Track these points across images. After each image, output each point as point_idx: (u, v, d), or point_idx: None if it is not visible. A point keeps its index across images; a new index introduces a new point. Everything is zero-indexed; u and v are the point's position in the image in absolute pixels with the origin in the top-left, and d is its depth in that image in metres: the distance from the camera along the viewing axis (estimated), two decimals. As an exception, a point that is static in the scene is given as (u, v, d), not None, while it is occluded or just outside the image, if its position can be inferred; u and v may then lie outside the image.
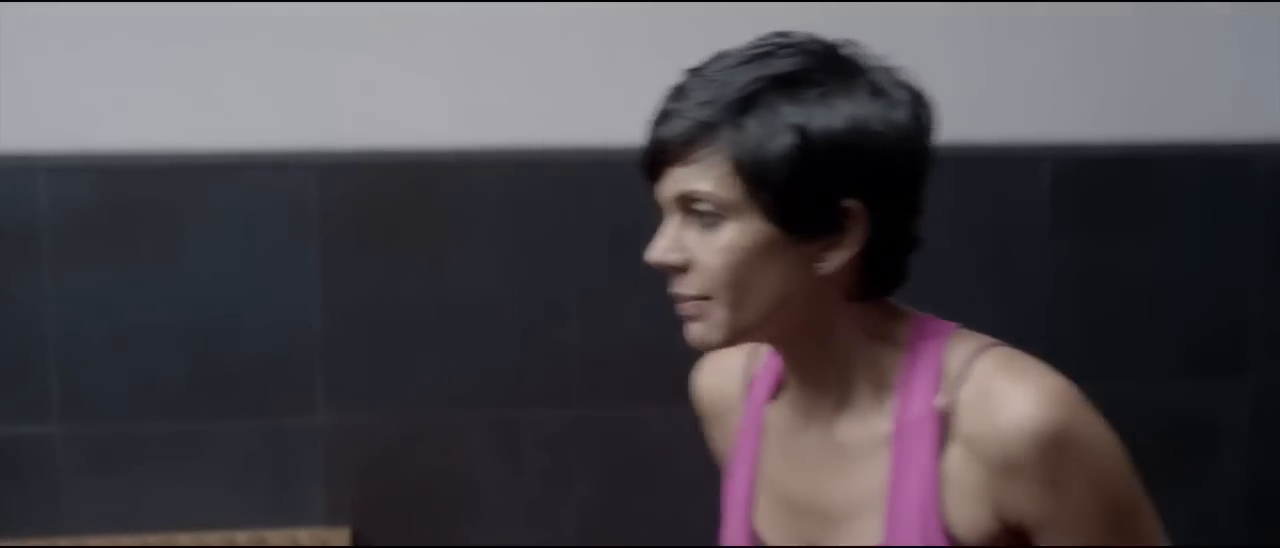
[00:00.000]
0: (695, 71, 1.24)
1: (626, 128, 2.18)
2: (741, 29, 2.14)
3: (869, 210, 1.20)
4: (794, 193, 1.18)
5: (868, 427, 1.26)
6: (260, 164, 2.10)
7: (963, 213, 2.25)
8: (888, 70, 1.25)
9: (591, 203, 2.16)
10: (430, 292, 2.15)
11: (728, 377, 1.43)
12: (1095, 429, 1.21)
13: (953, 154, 2.24)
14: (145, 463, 2.12)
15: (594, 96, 2.17)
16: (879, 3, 2.20)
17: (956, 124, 2.24)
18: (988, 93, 2.26)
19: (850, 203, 1.19)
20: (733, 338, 1.24)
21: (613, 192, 2.15)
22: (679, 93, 1.23)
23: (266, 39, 2.09)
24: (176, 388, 2.11)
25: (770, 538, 1.34)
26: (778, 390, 1.35)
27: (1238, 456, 2.40)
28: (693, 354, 2.31)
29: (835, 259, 1.21)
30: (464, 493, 2.20)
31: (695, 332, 1.25)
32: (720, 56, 1.24)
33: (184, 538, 2.12)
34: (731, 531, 1.38)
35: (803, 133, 1.17)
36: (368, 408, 2.17)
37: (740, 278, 1.20)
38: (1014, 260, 2.29)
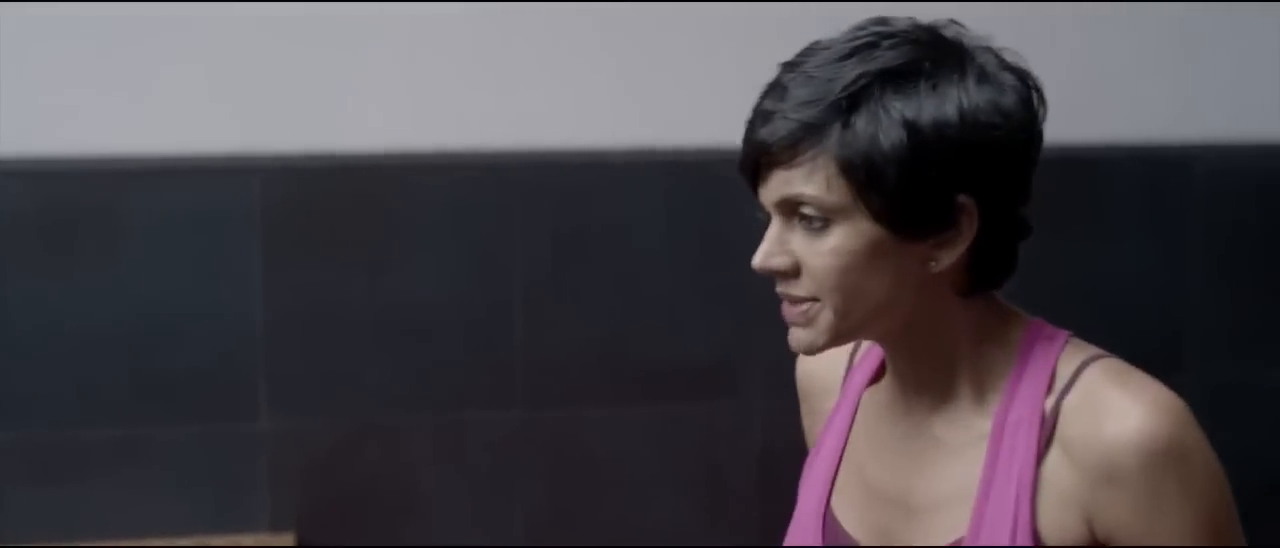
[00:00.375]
0: (792, 67, 1.18)
1: (570, 131, 2.20)
2: (685, 33, 2.15)
3: (980, 204, 1.16)
4: (906, 192, 1.13)
5: (966, 425, 1.24)
6: (202, 168, 2.08)
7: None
8: (993, 52, 1.20)
9: (535, 206, 2.16)
10: (374, 295, 2.14)
11: (829, 360, 1.37)
12: (1202, 450, 1.19)
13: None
14: (87, 470, 2.10)
15: (538, 100, 2.17)
16: (819, 5, 2.21)
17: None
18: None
19: (963, 198, 1.15)
20: (837, 342, 1.21)
21: (556, 195, 2.16)
22: (778, 91, 1.17)
23: (208, 42, 2.08)
24: (118, 394, 2.09)
25: (846, 522, 1.30)
26: (878, 377, 1.32)
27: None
28: (638, 356, 2.32)
29: (947, 257, 1.17)
30: (409, 497, 2.20)
31: (800, 337, 1.21)
32: (816, 49, 1.19)
33: (126, 545, 2.10)
34: (806, 508, 1.33)
35: (914, 128, 1.13)
36: (312, 413, 2.16)
37: (850, 282, 1.16)
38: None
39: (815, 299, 1.18)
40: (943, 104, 1.14)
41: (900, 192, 1.13)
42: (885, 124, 1.13)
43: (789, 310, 1.20)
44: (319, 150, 2.12)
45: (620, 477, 2.21)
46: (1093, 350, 1.24)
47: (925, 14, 2.27)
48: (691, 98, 2.19)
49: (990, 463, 1.20)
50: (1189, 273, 2.39)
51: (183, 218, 2.08)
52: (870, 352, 1.34)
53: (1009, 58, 1.20)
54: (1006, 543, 1.18)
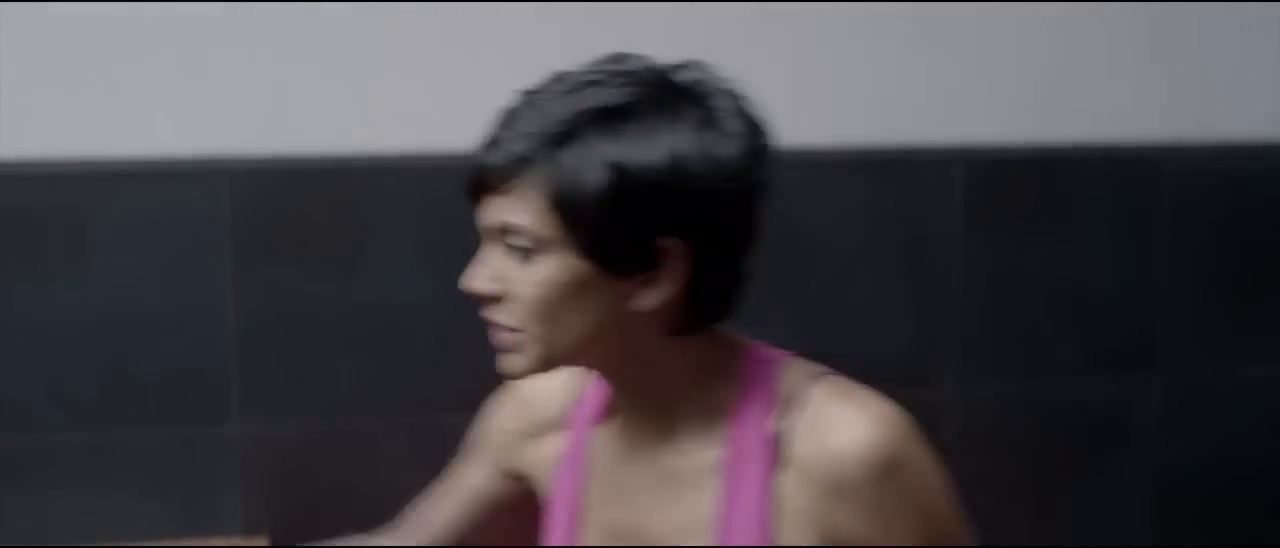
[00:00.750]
0: (528, 95, 1.22)
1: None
2: (652, 35, 2.14)
3: (689, 248, 1.18)
4: (608, 230, 1.15)
5: (697, 455, 1.25)
6: (170, 171, 2.07)
7: (875, 214, 2.27)
8: (730, 97, 1.21)
9: (508, 208, 2.16)
10: (346, 298, 2.14)
11: (553, 393, 1.40)
12: (924, 459, 1.22)
13: (865, 156, 2.28)
14: (56, 475, 2.09)
15: (506, 101, 2.16)
16: (789, 4, 2.21)
17: (869, 126, 2.29)
18: (900, 95, 2.28)
19: (667, 241, 1.17)
20: (542, 369, 1.23)
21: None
22: (507, 119, 1.22)
23: (175, 42, 2.07)
24: (88, 399, 2.08)
25: None
26: (605, 416, 1.33)
27: (1145, 453, 2.44)
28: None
29: (652, 297, 1.19)
30: (383, 501, 2.18)
31: (506, 363, 1.24)
32: (554, 80, 1.22)
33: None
34: None
35: (617, 170, 1.15)
36: (284, 416, 2.16)
37: (553, 312, 1.19)
38: (926, 261, 2.32)
39: (520, 328, 1.21)
40: (651, 148, 1.15)
41: (602, 230, 1.15)
42: (590, 163, 1.15)
43: (497, 336, 1.24)
44: (289, 152, 2.11)
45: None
46: (813, 369, 1.27)
47: (893, 14, 2.28)
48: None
49: (726, 492, 1.23)
50: (1158, 272, 2.41)
51: (152, 220, 2.07)
52: (595, 387, 1.36)
53: (746, 106, 1.21)
54: None
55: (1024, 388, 2.38)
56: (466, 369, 2.18)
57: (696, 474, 1.25)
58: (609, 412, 1.33)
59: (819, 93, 2.24)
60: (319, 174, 2.11)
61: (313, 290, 2.13)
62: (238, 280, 2.11)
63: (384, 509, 2.20)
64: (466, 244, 2.19)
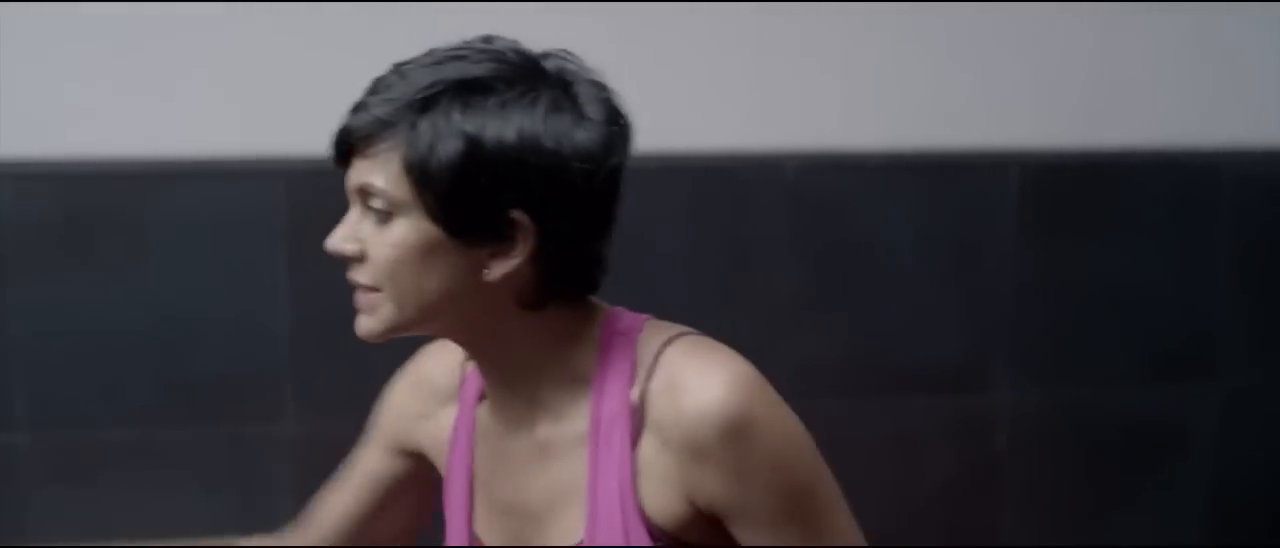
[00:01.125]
0: (397, 66, 1.26)
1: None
2: (702, 35, 2.13)
3: (537, 223, 1.20)
4: (457, 198, 1.19)
5: (564, 425, 1.28)
6: (226, 171, 2.09)
7: (930, 219, 2.26)
8: (596, 88, 1.25)
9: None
10: (399, 298, 2.14)
11: (448, 371, 1.43)
12: (776, 413, 1.23)
13: (919, 161, 2.26)
14: (112, 472, 2.11)
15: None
16: (850, 4, 2.20)
17: (925, 130, 2.27)
18: (956, 99, 2.27)
19: (517, 215, 1.20)
20: (393, 331, 1.26)
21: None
22: (376, 86, 1.26)
23: (233, 43, 2.09)
24: (143, 396, 2.10)
25: (486, 539, 1.36)
26: (484, 392, 1.36)
27: (1205, 460, 2.41)
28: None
29: (501, 268, 1.21)
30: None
31: (362, 324, 1.28)
32: (426, 54, 1.27)
33: (152, 545, 2.10)
34: (453, 534, 1.40)
35: (470, 140, 1.18)
36: (337, 415, 2.16)
37: (405, 274, 1.22)
38: (982, 267, 2.30)
39: (377, 289, 1.25)
40: (504, 124, 1.19)
41: (452, 198, 1.19)
42: (445, 131, 1.19)
43: (358, 297, 1.28)
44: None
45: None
46: (671, 330, 1.28)
47: (952, 15, 2.25)
48: (699, 101, 2.19)
49: (592, 460, 1.26)
50: (1217, 278, 2.38)
51: (207, 220, 2.09)
52: (475, 370, 1.38)
53: (611, 96, 1.26)
54: (619, 534, 1.24)
55: (1078, 395, 2.36)
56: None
57: (565, 444, 1.28)
58: (486, 390, 1.35)
59: (873, 98, 2.23)
60: (373, 175, 2.12)
61: (366, 290, 2.13)
62: (292, 280, 2.12)
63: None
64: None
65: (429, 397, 1.44)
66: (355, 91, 2.27)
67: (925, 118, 2.26)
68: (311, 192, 2.11)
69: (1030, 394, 2.32)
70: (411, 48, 2.12)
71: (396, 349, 2.15)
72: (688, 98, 2.17)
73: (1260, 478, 2.44)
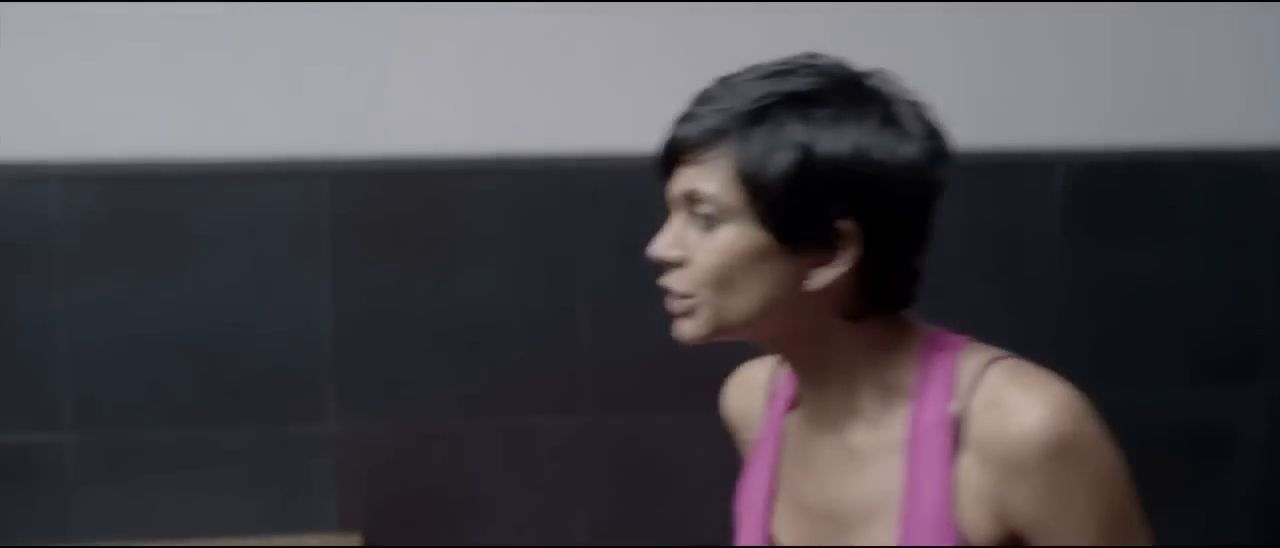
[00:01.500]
0: (723, 79, 1.28)
1: (634, 135, 2.18)
2: (748, 37, 2.14)
3: (863, 233, 1.23)
4: (789, 206, 1.21)
5: (879, 433, 1.29)
6: (271, 172, 2.10)
7: (975, 218, 2.24)
8: (912, 105, 1.27)
9: (600, 210, 2.16)
10: (440, 299, 2.15)
11: (749, 392, 1.47)
12: (1100, 441, 1.24)
13: (965, 160, 2.24)
14: (156, 471, 2.12)
15: (602, 104, 2.17)
16: (893, 4, 2.19)
17: (969, 130, 2.24)
18: (1000, 99, 2.26)
19: (844, 224, 1.22)
20: (715, 334, 1.28)
21: (622, 198, 2.16)
22: (703, 97, 1.28)
23: (278, 46, 2.10)
24: (187, 396, 2.11)
25: (784, 541, 1.36)
26: (796, 402, 1.38)
27: (1250, 464, 2.39)
28: (704, 360, 2.31)
29: (824, 276, 1.23)
30: (474, 500, 2.20)
31: (681, 327, 1.29)
32: (750, 69, 1.28)
33: (195, 544, 2.12)
34: (746, 534, 1.41)
35: (805, 150, 1.21)
36: (378, 415, 2.17)
37: (728, 278, 1.24)
38: (1026, 266, 2.29)
39: (692, 294, 1.26)
40: (839, 135, 1.22)
41: (784, 205, 1.21)
42: (780, 142, 1.21)
43: (673, 303, 1.29)
44: (386, 154, 2.13)
45: (685, 481, 2.20)
46: (992, 352, 1.29)
47: (992, 15, 2.25)
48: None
49: (910, 470, 1.26)
50: (1261, 278, 2.36)
51: (251, 221, 2.10)
52: (788, 379, 1.40)
53: (926, 114, 1.28)
54: (935, 545, 1.24)
55: (1123, 397, 2.33)
56: (559, 370, 2.20)
57: (879, 452, 1.29)
58: (799, 396, 1.38)
59: (917, 96, 2.22)
60: (415, 176, 2.13)
61: (407, 291, 2.14)
62: (334, 281, 2.13)
63: (476, 508, 2.21)
64: (558, 247, 2.20)
65: (751, 426, 1.46)
66: (397, 93, 2.29)
67: (968, 117, 2.23)
68: (354, 192, 2.13)
69: (1074, 396, 2.31)
70: (454, 47, 2.13)
71: (437, 349, 2.16)
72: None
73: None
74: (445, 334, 2.16)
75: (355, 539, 2.14)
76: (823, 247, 1.23)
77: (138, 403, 2.11)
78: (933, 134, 1.27)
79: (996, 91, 2.25)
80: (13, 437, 2.10)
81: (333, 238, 2.11)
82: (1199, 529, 2.39)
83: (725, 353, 2.29)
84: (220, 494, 2.15)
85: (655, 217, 2.36)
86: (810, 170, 1.21)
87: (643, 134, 2.19)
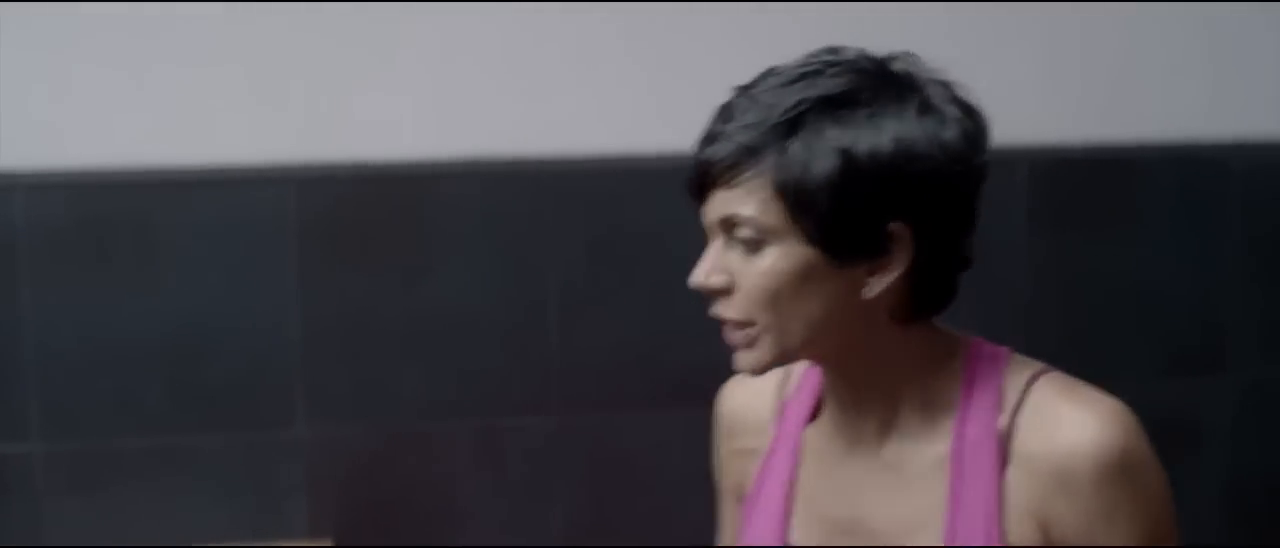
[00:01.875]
0: (743, 90, 1.22)
1: (600, 136, 2.20)
2: (715, 36, 2.15)
3: (914, 232, 1.18)
4: (837, 217, 1.15)
5: (921, 449, 1.25)
6: (237, 178, 2.09)
7: (940, 216, 2.25)
8: (942, 85, 1.23)
9: (568, 212, 2.16)
10: (410, 303, 2.15)
11: (760, 400, 1.40)
12: (1151, 461, 1.22)
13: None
14: (126, 480, 2.11)
15: (568, 106, 2.17)
16: (856, 5, 2.20)
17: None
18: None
19: (895, 226, 1.17)
20: (779, 362, 1.22)
21: (589, 200, 2.16)
22: (726, 113, 1.21)
23: (243, 54, 2.09)
24: (156, 404, 2.10)
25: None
26: (815, 413, 1.33)
27: (1219, 454, 2.41)
28: (672, 361, 2.31)
29: (880, 283, 1.19)
30: (446, 504, 2.20)
31: (743, 359, 1.23)
32: (768, 74, 1.22)
33: (166, 553, 2.11)
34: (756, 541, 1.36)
35: (847, 156, 1.15)
36: (349, 420, 2.17)
37: (782, 302, 1.18)
38: (992, 262, 2.28)
39: (750, 322, 1.20)
40: (878, 133, 1.15)
41: (831, 216, 1.15)
42: (819, 150, 1.15)
43: (730, 334, 1.22)
44: (354, 159, 2.12)
45: (657, 481, 2.21)
46: (1037, 366, 1.26)
47: (958, 14, 2.26)
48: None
49: (955, 485, 1.22)
50: (1228, 272, 2.37)
51: (219, 227, 2.09)
52: (801, 387, 1.35)
53: (959, 92, 1.23)
54: None
55: (1091, 390, 2.35)
56: (529, 372, 2.20)
57: (922, 468, 1.24)
58: (822, 408, 1.32)
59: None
60: (383, 180, 2.13)
61: (377, 295, 2.14)
62: (303, 286, 2.12)
63: (448, 511, 2.21)
64: (526, 248, 2.20)
65: (751, 433, 1.39)
66: (364, 98, 2.28)
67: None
68: (321, 197, 2.12)
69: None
70: (420, 51, 2.13)
71: (406, 353, 2.15)
72: (700, 102, 2.17)
73: (1275, 472, 2.44)
74: (415, 337, 2.16)
75: (326, 543, 2.13)
76: (875, 253, 1.18)
77: (107, 411, 2.10)
78: (970, 112, 1.22)
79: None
80: (-19, 447, 2.09)
81: (300, 243, 2.11)
82: (1168, 521, 2.40)
83: (694, 353, 2.30)
84: (191, 501, 2.14)
85: (623, 217, 2.37)
86: (855, 176, 1.15)
87: (610, 135, 2.21)
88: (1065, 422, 1.19)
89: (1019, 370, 1.25)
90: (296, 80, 2.11)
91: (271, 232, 2.10)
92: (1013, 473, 1.20)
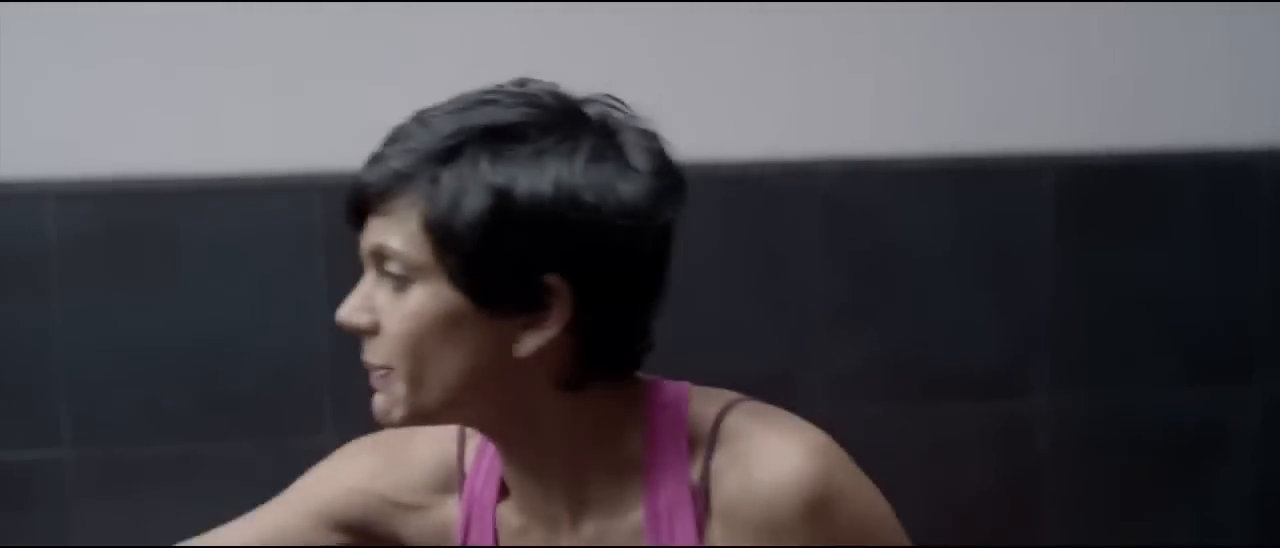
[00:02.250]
0: (420, 114, 1.12)
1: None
2: (716, 36, 2.12)
3: (575, 288, 1.06)
4: (484, 260, 1.04)
5: (618, 520, 1.14)
6: (264, 186, 2.10)
7: (965, 223, 2.25)
8: (644, 136, 1.11)
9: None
10: (436, 310, 2.15)
11: (442, 458, 1.25)
12: (857, 481, 1.12)
13: (954, 164, 2.26)
14: (154, 486, 2.12)
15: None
16: (880, 5, 2.20)
17: (959, 134, 2.26)
18: (989, 102, 2.26)
19: (552, 279, 1.05)
20: (414, 418, 1.11)
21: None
22: (395, 135, 1.12)
23: (269, 60, 2.10)
24: (185, 411, 2.11)
25: None
26: (503, 491, 1.20)
27: (1245, 464, 2.39)
28: (697, 369, 2.29)
29: (533, 341, 1.06)
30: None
31: (378, 404, 1.13)
32: (453, 100, 1.12)
33: (194, 560, 2.12)
34: None
35: (499, 194, 1.03)
36: (376, 428, 2.17)
37: (422, 350, 1.07)
38: (1018, 270, 2.29)
39: (389, 367, 1.09)
40: (540, 175, 1.04)
41: (480, 260, 1.04)
42: (471, 184, 1.04)
43: (373, 380, 1.12)
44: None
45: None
46: (722, 397, 1.15)
47: (983, 17, 2.24)
48: (737, 109, 2.19)
49: None
50: (1256, 280, 2.36)
51: (247, 235, 2.10)
52: (482, 458, 1.22)
53: (660, 146, 1.11)
54: None
55: (1116, 399, 2.35)
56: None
57: (621, 539, 1.14)
58: (507, 484, 1.18)
59: (907, 101, 2.23)
60: (408, 188, 2.13)
61: (403, 303, 2.14)
62: (330, 293, 2.11)
63: (474, 520, 2.21)
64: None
65: (421, 486, 1.25)
66: (388, 105, 2.28)
67: (959, 122, 2.26)
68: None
69: (1069, 398, 2.31)
70: (450, 58, 2.14)
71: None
72: (719, 104, 2.18)
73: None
74: (441, 345, 2.16)
75: (354, 551, 2.14)
76: (529, 306, 1.05)
77: (135, 418, 2.11)
78: (662, 170, 1.09)
79: (986, 95, 2.26)
80: (11, 454, 2.10)
81: (328, 250, 2.12)
82: (1195, 530, 2.39)
83: (716, 360, 2.30)
84: (219, 508, 2.13)
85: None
86: (507, 217, 1.03)
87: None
88: (762, 461, 1.08)
89: (704, 408, 1.14)
90: (322, 88, 2.11)
91: (299, 239, 2.11)
92: (716, 528, 1.10)
